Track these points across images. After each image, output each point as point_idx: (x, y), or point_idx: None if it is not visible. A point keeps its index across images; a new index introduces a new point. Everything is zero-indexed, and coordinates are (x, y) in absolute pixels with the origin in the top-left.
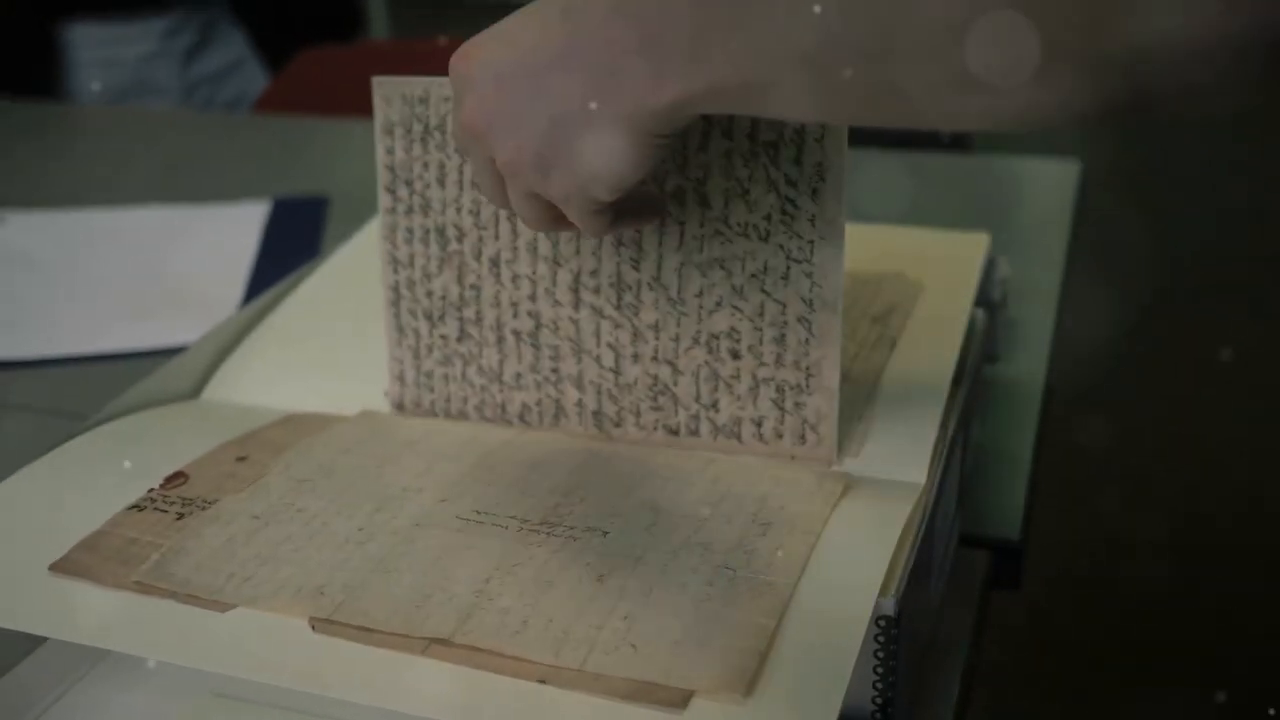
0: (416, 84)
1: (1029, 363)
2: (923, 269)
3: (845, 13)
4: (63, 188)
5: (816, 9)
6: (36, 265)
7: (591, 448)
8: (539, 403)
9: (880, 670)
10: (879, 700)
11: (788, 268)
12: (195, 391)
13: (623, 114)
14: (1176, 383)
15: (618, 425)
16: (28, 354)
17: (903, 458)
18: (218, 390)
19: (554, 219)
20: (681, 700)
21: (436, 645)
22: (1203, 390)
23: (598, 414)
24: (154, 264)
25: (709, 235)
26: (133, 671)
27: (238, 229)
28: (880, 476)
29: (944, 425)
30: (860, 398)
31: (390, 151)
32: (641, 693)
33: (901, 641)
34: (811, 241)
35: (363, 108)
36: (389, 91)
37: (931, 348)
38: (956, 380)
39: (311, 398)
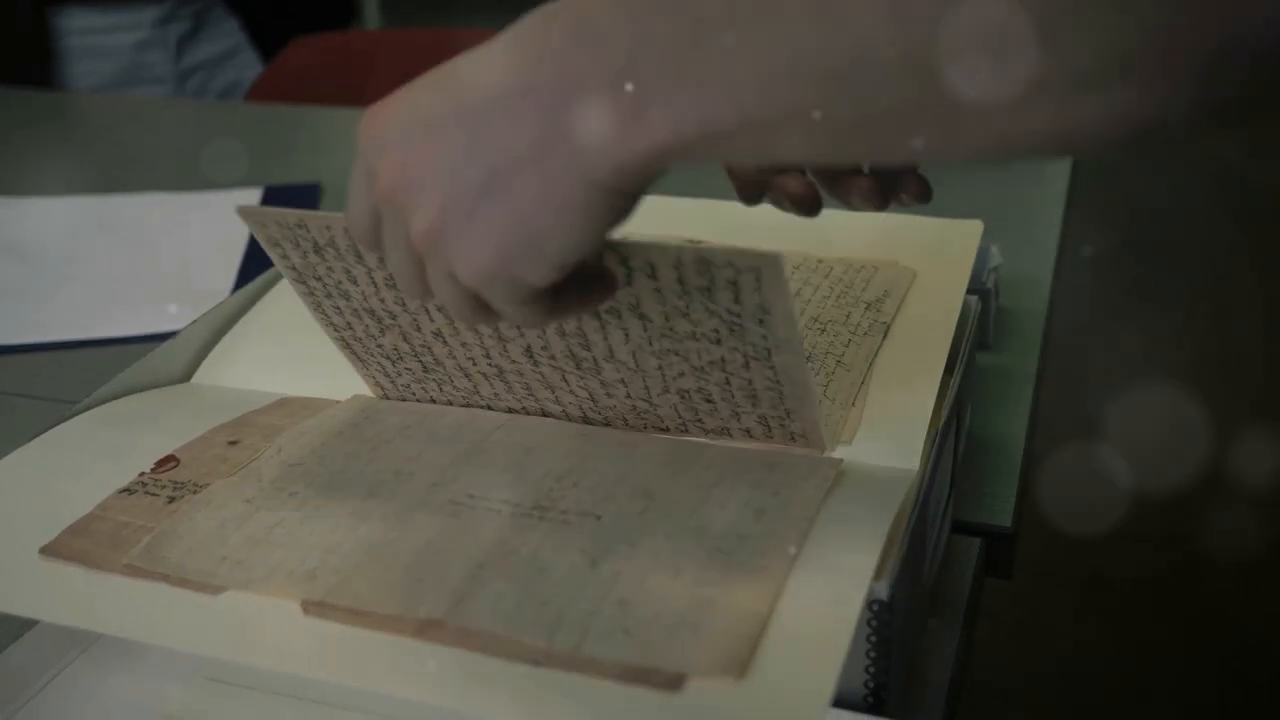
0: (289, 214)
1: (1021, 350)
2: (916, 256)
3: (882, 23)
4: (55, 175)
5: (848, 23)
6: (28, 252)
7: (585, 431)
8: (524, 408)
9: (873, 654)
10: (871, 684)
11: (746, 362)
12: (186, 375)
13: (584, 163)
14: (1168, 370)
15: (606, 425)
16: (19, 340)
17: (896, 444)
18: (209, 374)
19: (480, 307)
20: (675, 683)
21: (429, 628)
22: (1196, 378)
23: (585, 420)
24: (146, 251)
25: (656, 336)
26: (124, 655)
27: (230, 217)
28: (873, 462)
29: (937, 412)
30: (853, 384)
31: (285, 258)
32: (636, 676)
33: (894, 626)
34: (768, 349)
35: (355, 96)
36: (261, 218)
37: (925, 334)
38: (949, 367)
39: (303, 382)
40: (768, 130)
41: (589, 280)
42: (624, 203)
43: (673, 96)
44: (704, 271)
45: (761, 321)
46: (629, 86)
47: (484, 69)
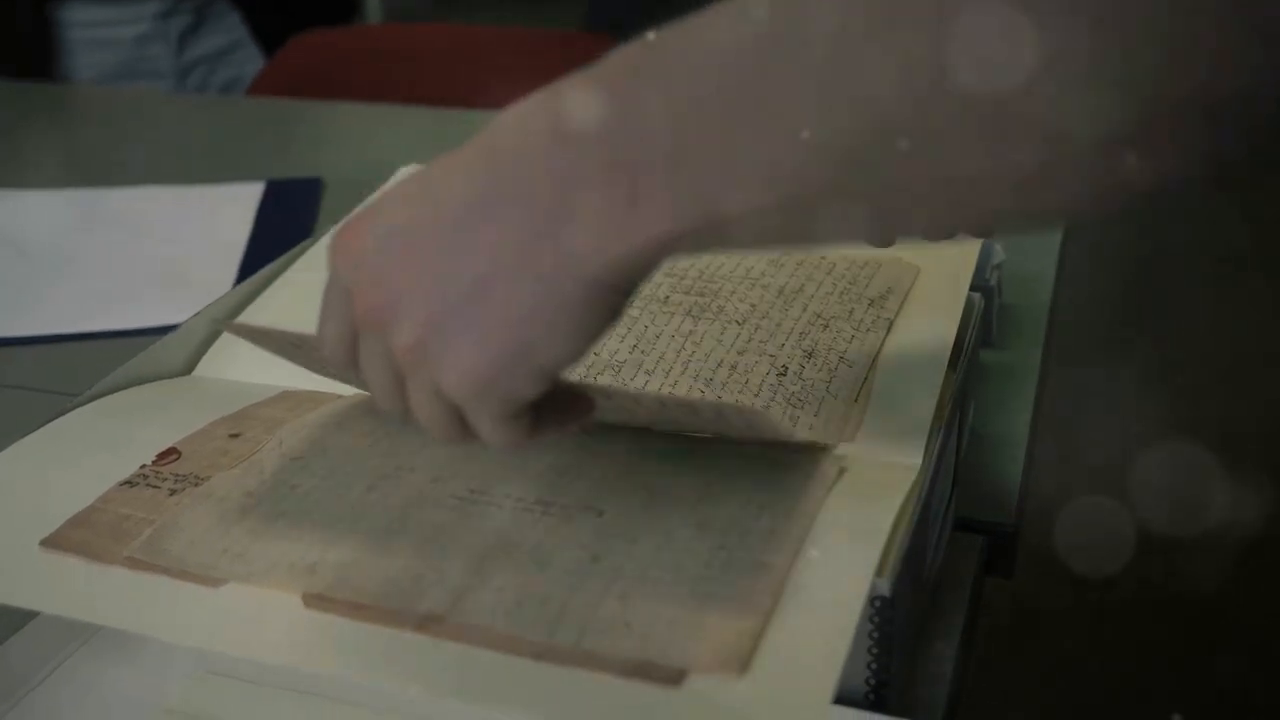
0: (287, 335)
1: (1024, 347)
2: (920, 252)
3: (893, 99)
4: (56, 168)
5: (858, 100)
6: (29, 245)
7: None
8: None
9: (875, 651)
10: (873, 681)
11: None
12: (188, 368)
13: (576, 263)
14: (1171, 370)
15: None
16: (20, 333)
17: (899, 440)
18: (210, 367)
19: (460, 425)
20: (676, 679)
21: (430, 623)
22: (1198, 378)
23: None
24: (147, 244)
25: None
26: (124, 647)
27: (231, 210)
28: (876, 458)
29: (940, 408)
30: (856, 380)
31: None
32: (637, 671)
33: (896, 623)
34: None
35: (357, 92)
36: (257, 337)
37: (928, 331)
38: (953, 364)
39: (305, 375)
40: (771, 215)
41: (567, 401)
42: (618, 300)
43: (668, 186)
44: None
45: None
46: (620, 180)
47: (458, 175)
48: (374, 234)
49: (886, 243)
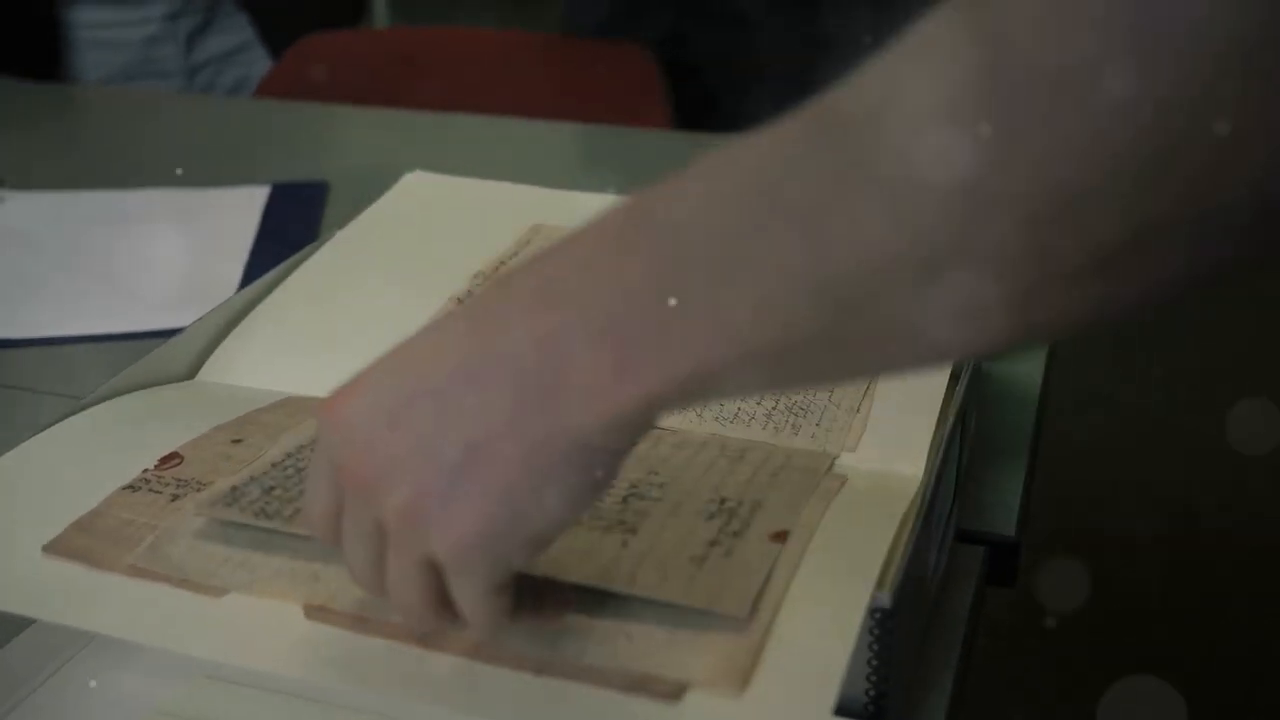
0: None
1: (1027, 360)
2: None
3: (880, 234)
4: (63, 169)
5: (846, 238)
6: (35, 246)
7: None
8: None
9: (875, 663)
10: (873, 693)
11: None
12: (191, 373)
13: (568, 426)
14: (1177, 381)
15: None
16: (25, 334)
17: (900, 451)
18: (214, 372)
19: (439, 604)
20: (677, 692)
21: (431, 635)
22: (1199, 389)
23: None
24: (153, 247)
25: None
26: (123, 653)
27: (237, 213)
28: (877, 469)
29: (941, 419)
30: (858, 390)
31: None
32: (637, 684)
33: (897, 634)
34: None
35: (363, 94)
36: (233, 516)
37: None
38: (954, 375)
39: (308, 380)
40: (758, 365)
41: (544, 592)
42: (612, 461)
43: (655, 349)
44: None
45: None
46: (610, 340)
47: (444, 342)
48: (362, 403)
49: (874, 377)
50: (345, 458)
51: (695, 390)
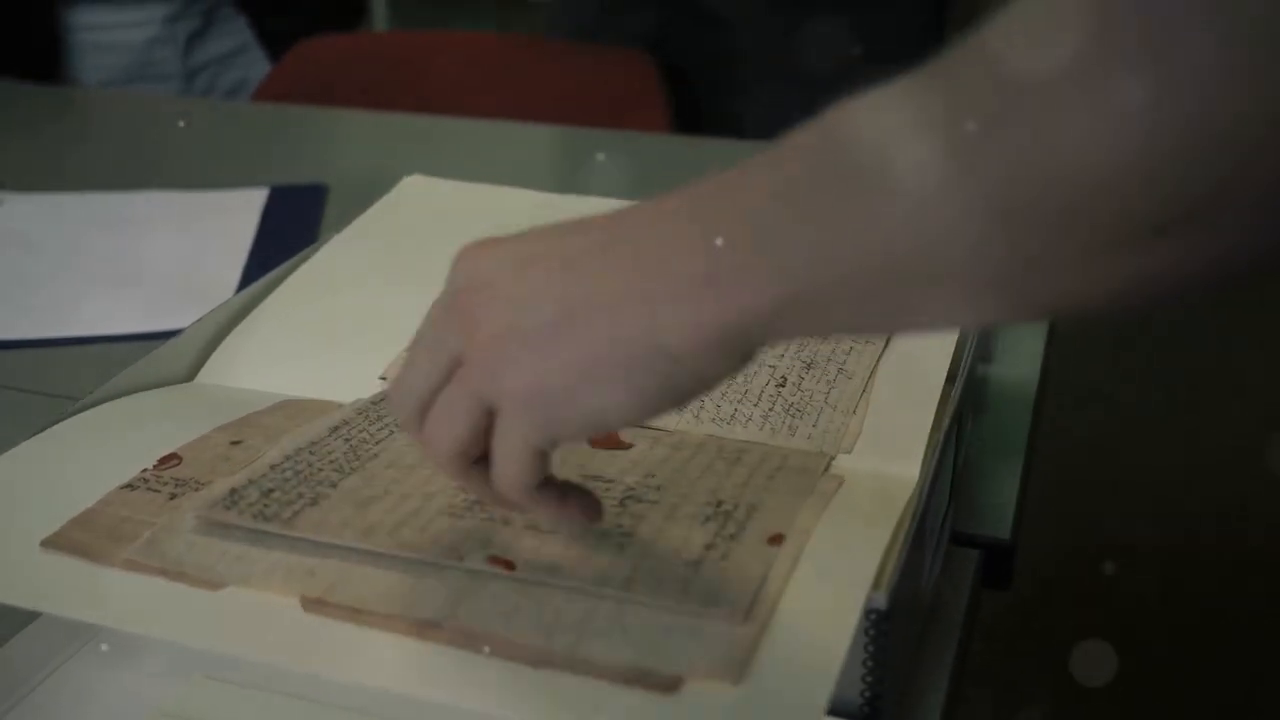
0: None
1: (1023, 364)
2: None
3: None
4: (62, 171)
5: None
6: (33, 247)
7: None
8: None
9: (870, 664)
10: (868, 694)
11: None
12: (190, 375)
13: (656, 326)
14: (1170, 385)
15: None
16: (23, 335)
17: (896, 454)
18: (212, 374)
19: (471, 445)
20: (673, 685)
21: (428, 627)
22: (1196, 392)
23: None
24: (152, 249)
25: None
26: (122, 652)
27: (235, 215)
28: (874, 471)
29: (938, 422)
30: (855, 392)
31: None
32: (633, 677)
33: (892, 635)
34: None
35: (362, 98)
36: (231, 520)
37: (926, 344)
38: (951, 378)
39: (306, 382)
40: (865, 294)
41: (576, 495)
42: (691, 382)
43: (745, 263)
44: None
45: None
46: (708, 253)
47: (589, 223)
48: (498, 249)
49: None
50: (462, 288)
51: (790, 317)
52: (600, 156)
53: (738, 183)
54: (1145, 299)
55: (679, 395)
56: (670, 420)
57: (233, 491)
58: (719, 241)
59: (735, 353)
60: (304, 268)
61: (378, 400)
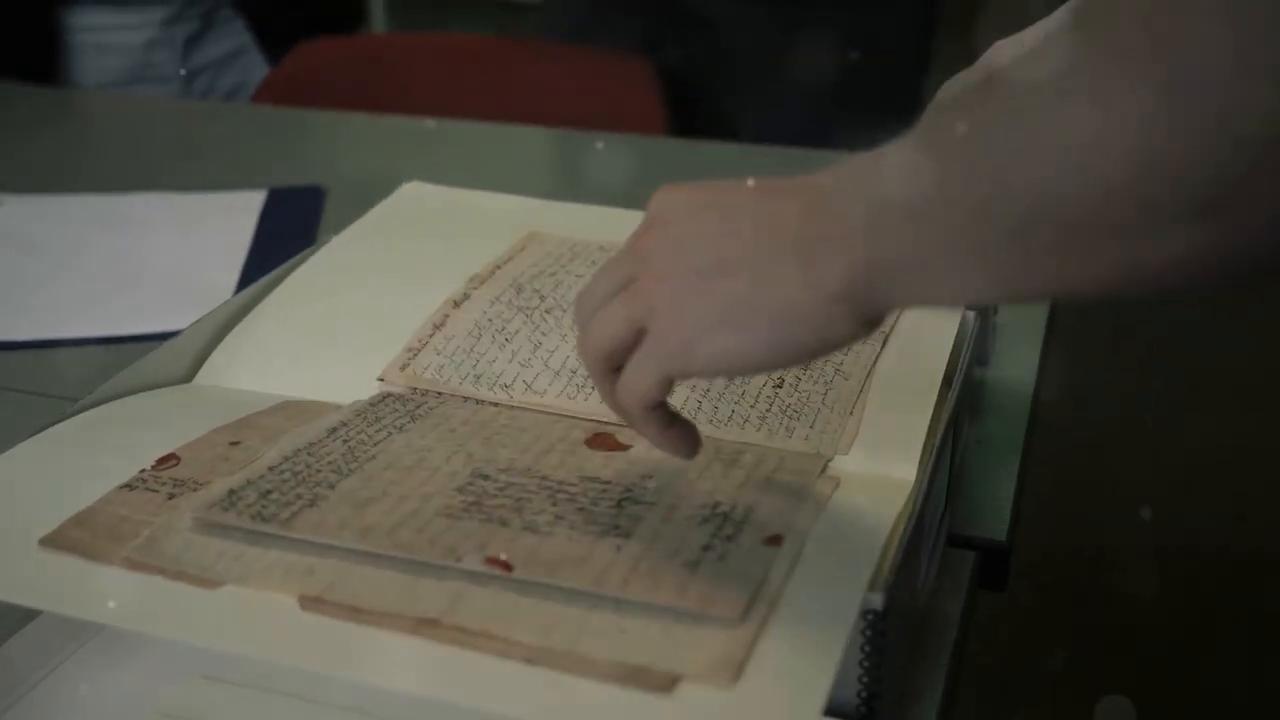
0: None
1: (1019, 367)
2: None
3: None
4: (60, 172)
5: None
6: (32, 249)
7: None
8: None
9: (866, 664)
10: (864, 694)
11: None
12: (189, 375)
13: (785, 279)
14: (1167, 387)
15: None
16: (22, 336)
17: (893, 455)
18: (211, 375)
19: (615, 354)
20: (669, 685)
21: (426, 625)
22: (1193, 394)
23: None
24: (150, 251)
25: None
26: (120, 651)
27: (233, 217)
28: (871, 473)
29: (934, 424)
30: (851, 393)
31: None
32: (629, 676)
33: (888, 636)
34: None
35: (360, 100)
36: (229, 520)
37: (922, 346)
38: (947, 381)
39: (304, 383)
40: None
41: (682, 424)
42: (807, 338)
43: (871, 222)
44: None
45: None
46: (834, 210)
47: (761, 184)
48: (685, 192)
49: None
50: (648, 222)
51: (884, 281)
52: (600, 144)
53: (870, 161)
54: (1153, 286)
55: (802, 351)
56: None
57: (231, 492)
58: (843, 206)
59: (854, 314)
60: (302, 269)
61: (376, 402)
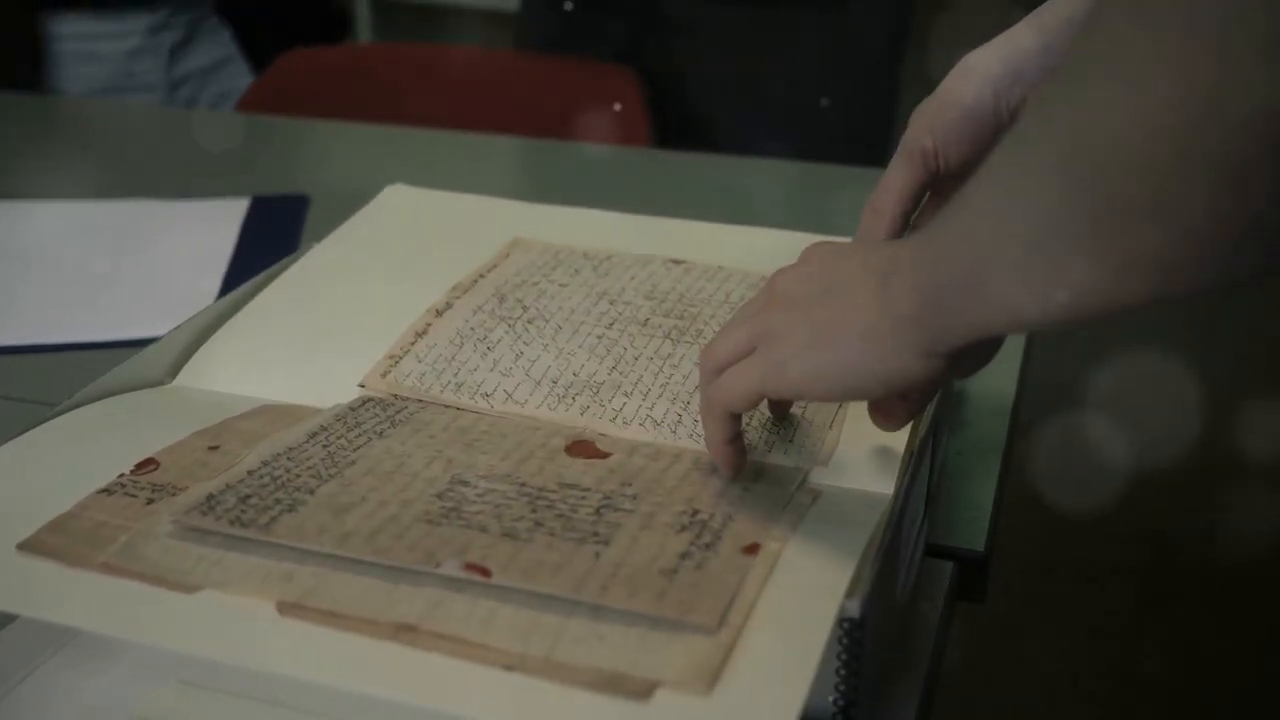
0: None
1: (999, 378)
2: None
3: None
4: (43, 180)
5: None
6: (13, 255)
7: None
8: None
9: (843, 672)
10: (841, 702)
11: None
12: (169, 378)
13: (868, 305)
14: (1148, 397)
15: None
16: (2, 342)
17: (871, 467)
18: (192, 377)
19: (724, 367)
20: (646, 691)
21: (404, 631)
22: (1176, 405)
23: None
24: (132, 257)
25: None
26: (97, 657)
27: (216, 225)
28: (849, 484)
29: (913, 435)
30: (832, 408)
31: None
32: (607, 683)
33: (865, 645)
34: None
35: (345, 110)
36: (210, 525)
37: None
38: None
39: (285, 387)
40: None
41: (740, 448)
42: (881, 371)
43: (935, 252)
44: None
45: None
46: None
47: (859, 253)
48: (838, 244)
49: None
50: (792, 265)
51: (946, 303)
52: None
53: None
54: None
55: (873, 379)
56: (648, 433)
57: (210, 497)
58: (918, 233)
59: (921, 343)
60: (285, 274)
61: (356, 406)
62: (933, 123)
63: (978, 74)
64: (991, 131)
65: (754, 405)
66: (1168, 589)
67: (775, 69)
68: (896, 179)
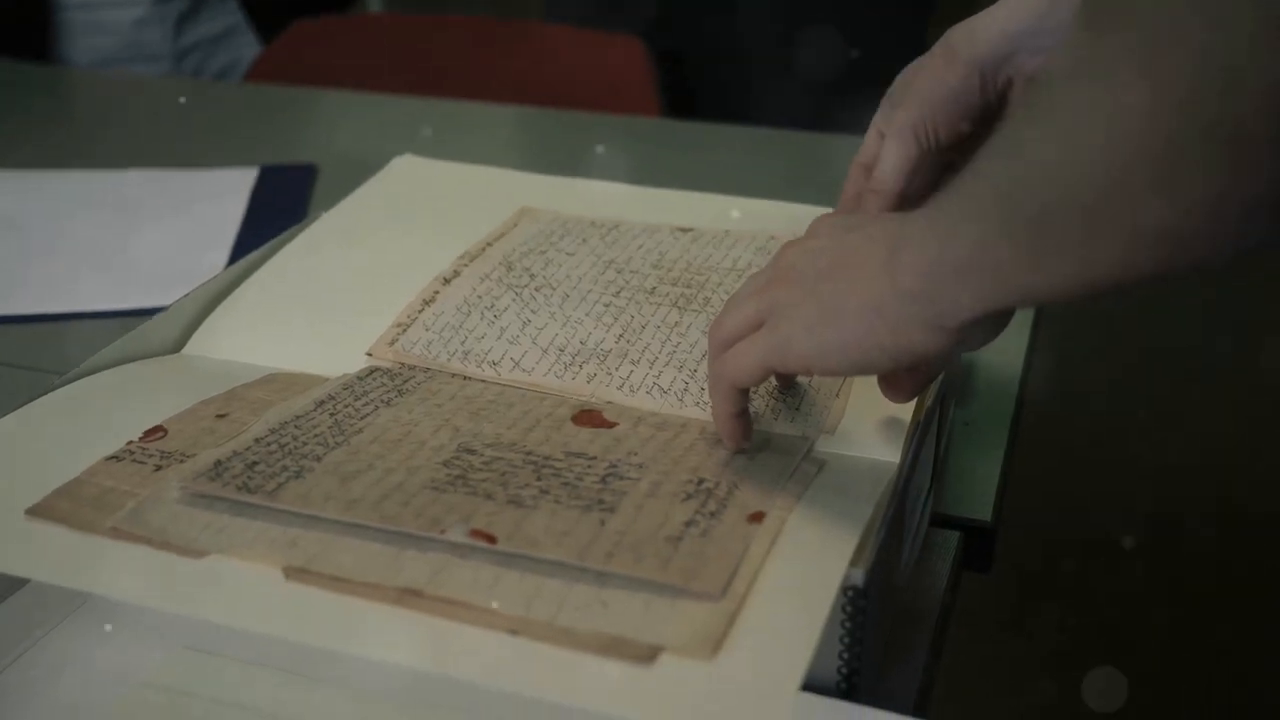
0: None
1: (1008, 349)
2: None
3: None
4: (51, 150)
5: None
6: (21, 225)
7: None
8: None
9: (847, 640)
10: (844, 670)
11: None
12: (177, 347)
13: (873, 287)
14: (1159, 371)
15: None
16: (10, 311)
17: (877, 436)
18: (200, 345)
19: (736, 337)
20: (649, 656)
21: (409, 596)
22: (1184, 378)
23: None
24: (140, 227)
25: None
26: (105, 623)
27: (224, 194)
28: (855, 453)
29: (919, 404)
30: (838, 378)
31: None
32: (610, 647)
33: (869, 613)
34: None
35: (354, 80)
36: (216, 490)
37: None
38: None
39: (292, 356)
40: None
41: (748, 422)
42: (890, 345)
43: (933, 230)
44: None
45: None
46: (914, 225)
47: (872, 223)
48: (841, 216)
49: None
50: (798, 238)
51: (951, 279)
52: (600, 149)
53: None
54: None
55: (881, 352)
56: (655, 402)
57: (217, 464)
58: (922, 212)
59: (928, 316)
60: (293, 243)
61: (363, 375)
62: (920, 100)
63: (963, 56)
64: (979, 110)
65: (761, 380)
66: (1176, 570)
67: (804, 44)
68: (893, 157)
